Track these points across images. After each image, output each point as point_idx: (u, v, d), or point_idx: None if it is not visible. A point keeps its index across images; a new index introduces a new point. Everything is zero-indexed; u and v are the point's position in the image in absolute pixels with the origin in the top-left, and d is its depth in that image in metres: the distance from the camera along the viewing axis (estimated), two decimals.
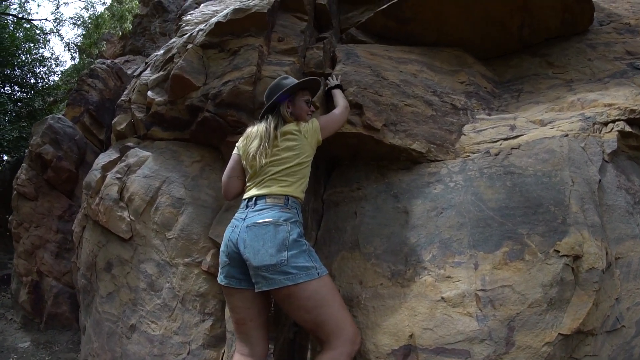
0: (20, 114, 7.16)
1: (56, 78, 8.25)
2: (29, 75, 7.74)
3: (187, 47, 2.24)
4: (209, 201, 2.19)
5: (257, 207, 1.48)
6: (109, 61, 5.04)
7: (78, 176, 4.09)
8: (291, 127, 1.59)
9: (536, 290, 1.33)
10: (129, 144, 2.62)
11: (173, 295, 2.05)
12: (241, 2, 2.30)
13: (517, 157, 1.66)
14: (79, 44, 8.05)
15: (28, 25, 7.86)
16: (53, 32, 8.25)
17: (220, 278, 1.54)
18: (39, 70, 7.91)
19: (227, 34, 2.20)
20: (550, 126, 1.79)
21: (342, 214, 1.91)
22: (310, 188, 1.73)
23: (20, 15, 7.80)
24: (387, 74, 2.07)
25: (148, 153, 2.44)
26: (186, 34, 2.48)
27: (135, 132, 2.67)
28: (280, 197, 1.49)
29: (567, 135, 1.66)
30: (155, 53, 2.84)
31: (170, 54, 2.43)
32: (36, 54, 7.87)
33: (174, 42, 2.56)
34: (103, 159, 2.71)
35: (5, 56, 7.01)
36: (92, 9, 7.76)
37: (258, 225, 1.41)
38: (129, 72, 4.99)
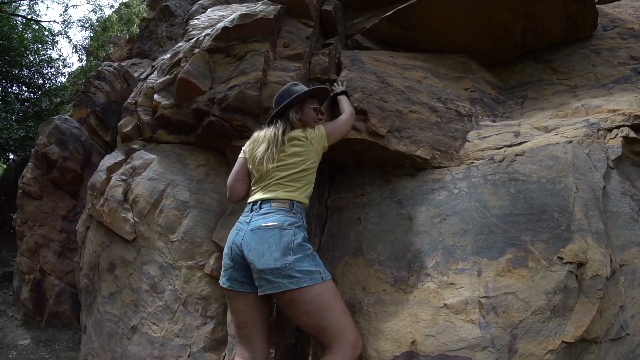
0: (27, 113, 7.23)
1: (63, 79, 8.35)
2: (36, 76, 7.83)
3: (194, 52, 2.27)
4: (213, 205, 2.20)
5: (262, 211, 1.48)
6: (116, 64, 5.09)
7: (83, 177, 4.12)
8: (298, 133, 1.60)
9: (539, 297, 1.33)
10: (135, 146, 2.64)
11: (175, 297, 2.06)
12: (248, 7, 2.32)
13: (521, 164, 1.66)
14: (86, 46, 8.14)
15: (37, 27, 7.97)
16: (61, 34, 8.36)
17: (222, 281, 1.54)
18: (46, 71, 8.01)
19: (233, 39, 2.23)
20: (555, 132, 1.79)
21: (346, 220, 1.92)
22: (314, 193, 1.74)
23: (29, 17, 7.91)
24: (392, 81, 2.08)
25: (153, 156, 2.46)
26: (193, 38, 2.50)
27: (141, 134, 2.69)
28: (285, 201, 1.49)
29: (571, 142, 1.65)
30: (162, 57, 2.88)
31: (176, 58, 2.45)
32: (44, 55, 7.97)
33: (180, 46, 2.59)
34: (108, 160, 2.73)
35: (13, 56, 7.11)
36: (100, 12, 7.86)
37: (263, 228, 1.42)
38: (136, 75, 5.04)
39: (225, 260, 1.53)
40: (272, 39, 2.21)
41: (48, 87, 7.89)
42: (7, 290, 4.69)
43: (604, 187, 1.56)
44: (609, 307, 1.37)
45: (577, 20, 2.29)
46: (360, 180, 2.01)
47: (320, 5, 2.58)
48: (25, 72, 7.59)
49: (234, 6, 2.94)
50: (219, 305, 1.98)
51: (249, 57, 2.13)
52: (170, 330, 2.01)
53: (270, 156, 1.55)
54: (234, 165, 1.76)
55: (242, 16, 2.21)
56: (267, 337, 1.54)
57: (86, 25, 7.92)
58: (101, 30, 7.18)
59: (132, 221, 2.31)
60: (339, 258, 1.81)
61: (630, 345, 1.39)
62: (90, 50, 7.73)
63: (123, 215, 2.34)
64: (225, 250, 1.53)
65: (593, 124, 1.77)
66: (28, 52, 7.56)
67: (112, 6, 7.94)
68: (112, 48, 7.15)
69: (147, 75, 2.87)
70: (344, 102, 1.86)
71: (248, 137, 1.78)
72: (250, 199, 1.59)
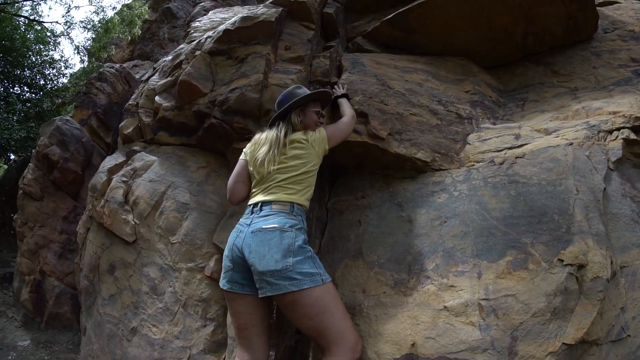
0: (29, 114, 7.25)
1: (65, 80, 8.37)
2: (38, 77, 7.86)
3: (195, 54, 2.28)
4: (213, 207, 2.21)
5: (262, 213, 1.49)
6: (117, 65, 5.11)
7: (84, 178, 4.13)
8: (299, 135, 1.61)
9: (540, 299, 1.33)
10: (136, 148, 2.65)
11: (175, 299, 2.06)
12: (249, 10, 2.34)
13: (522, 166, 1.67)
14: (88, 47, 8.16)
15: (39, 28, 8.00)
16: (63, 35, 8.37)
17: (222, 283, 1.54)
18: (48, 72, 8.04)
19: (234, 41, 2.24)
20: (555, 135, 1.79)
21: (346, 222, 1.92)
22: (314, 196, 1.75)
23: (31, 17, 7.94)
24: (393, 83, 2.09)
25: (154, 157, 2.46)
26: (194, 40, 2.52)
27: (142, 136, 2.70)
28: (285, 204, 1.50)
29: (571, 144, 1.65)
30: (164, 59, 2.89)
31: (178, 60, 2.46)
32: (46, 55, 8.00)
33: (182, 48, 2.60)
34: (109, 161, 2.74)
35: (15, 57, 7.13)
36: (102, 13, 7.89)
37: (264, 230, 1.42)
38: (137, 76, 5.06)
39: (226, 262, 1.53)
40: (274, 41, 2.22)
41: (50, 88, 7.92)
42: (7, 291, 4.69)
43: (605, 189, 1.56)
44: (609, 308, 1.37)
45: (578, 20, 2.30)
46: (360, 183, 2.01)
47: (322, 8, 2.59)
48: (27, 72, 7.62)
49: (236, 8, 2.96)
50: (219, 307, 1.98)
51: (250, 59, 2.14)
52: (170, 332, 2.01)
53: (272, 158, 1.55)
54: (234, 168, 1.76)
55: (243, 19, 2.22)
56: (267, 339, 1.54)
57: (88, 26, 7.95)
58: (103, 31, 7.20)
59: (133, 223, 2.31)
60: (339, 260, 1.81)
61: (631, 347, 1.38)
62: (92, 52, 7.75)
63: (123, 216, 2.34)
64: (226, 252, 1.54)
65: (593, 126, 1.77)
66: (30, 53, 7.59)
67: (114, 8, 7.96)
68: (114, 49, 7.17)
69: (149, 77, 2.88)
70: (344, 104, 1.87)
71: (249, 140, 1.78)
72: (251, 201, 1.59)
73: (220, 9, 3.09)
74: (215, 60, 2.25)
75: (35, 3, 7.93)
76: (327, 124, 1.79)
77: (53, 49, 8.31)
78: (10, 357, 3.23)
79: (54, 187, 4.11)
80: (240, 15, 2.27)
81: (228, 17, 2.67)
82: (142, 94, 2.72)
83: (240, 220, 1.56)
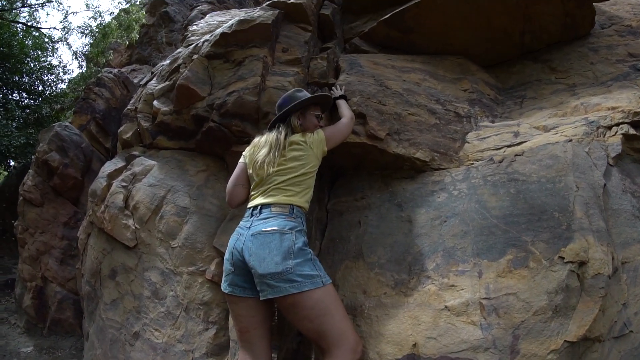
0: (28, 120, 7.25)
1: (63, 86, 8.37)
2: (37, 83, 7.86)
3: (193, 58, 2.28)
4: (213, 210, 2.21)
5: (262, 216, 1.49)
6: (115, 70, 5.11)
7: (84, 183, 4.13)
8: (297, 137, 1.62)
9: (541, 297, 1.32)
10: (135, 152, 2.65)
11: (177, 303, 2.06)
12: (246, 13, 2.34)
13: (521, 164, 1.66)
14: (86, 52, 8.17)
15: (37, 34, 8.00)
16: (61, 41, 8.38)
17: (224, 286, 1.55)
18: (46, 77, 8.04)
19: (232, 44, 2.24)
20: (554, 132, 1.79)
21: (346, 224, 1.92)
22: (314, 197, 1.75)
23: (29, 24, 7.94)
24: (391, 83, 2.09)
25: (153, 162, 2.47)
26: (192, 44, 2.52)
27: (141, 141, 2.71)
28: (285, 206, 1.50)
29: (570, 141, 1.65)
30: (161, 63, 2.89)
31: (176, 64, 2.47)
32: (44, 61, 8.00)
33: (179, 52, 2.60)
34: (109, 167, 2.74)
35: (14, 63, 7.14)
36: (99, 18, 7.88)
37: (264, 233, 1.42)
38: (136, 81, 5.06)
39: (227, 266, 1.53)
40: (271, 44, 2.22)
41: (48, 93, 7.92)
42: (9, 298, 4.69)
43: (605, 185, 1.56)
44: (611, 305, 1.36)
45: (575, 17, 2.30)
46: (359, 184, 2.01)
47: (318, 9, 2.59)
48: (26, 79, 7.63)
49: (233, 11, 2.96)
50: (220, 310, 1.99)
51: (248, 62, 2.14)
52: (173, 336, 2.01)
53: (272, 159, 1.56)
54: (233, 171, 1.77)
55: (240, 22, 2.22)
56: (269, 341, 1.54)
57: (86, 31, 7.95)
58: (101, 36, 7.20)
59: (133, 227, 2.31)
60: (340, 262, 1.81)
61: (634, 343, 1.38)
62: (90, 57, 7.76)
63: (124, 221, 2.34)
64: (226, 256, 1.54)
65: (592, 122, 1.76)
66: (28, 59, 7.60)
67: (111, 13, 7.93)
68: (112, 54, 7.17)
69: (147, 82, 2.89)
70: (343, 106, 1.87)
71: (247, 143, 1.79)
72: (250, 204, 1.59)
73: (218, 12, 3.10)
74: (212, 64, 2.26)
75: (32, 9, 7.94)
76: (326, 126, 1.79)
77: (51, 54, 8.31)
78: None
79: (54, 193, 4.11)
80: (237, 18, 2.28)
81: (225, 20, 2.68)
82: (140, 99, 2.72)
83: (240, 223, 1.57)
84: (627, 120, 1.77)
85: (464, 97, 2.19)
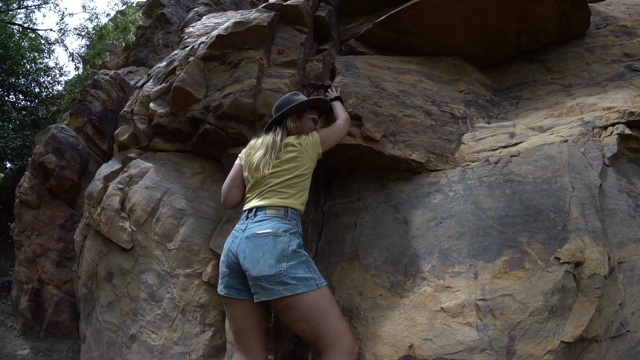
0: (24, 122, 7.23)
1: (60, 88, 8.34)
2: (33, 84, 7.83)
3: (189, 60, 2.28)
4: (209, 212, 2.20)
5: (256, 219, 1.49)
6: (112, 72, 5.10)
7: (80, 186, 4.12)
8: (292, 139, 1.62)
9: (537, 298, 1.32)
10: (131, 154, 2.65)
11: (173, 305, 2.05)
12: (242, 15, 2.34)
13: (517, 165, 1.67)
14: (82, 54, 8.15)
15: (33, 35, 7.97)
16: (57, 42, 8.35)
17: (220, 288, 1.55)
18: (43, 79, 8.01)
19: (228, 46, 2.24)
20: (550, 132, 1.79)
21: (342, 225, 1.92)
22: (310, 199, 1.75)
23: (25, 25, 7.92)
24: (386, 85, 2.09)
25: (150, 164, 2.46)
26: (188, 46, 2.52)
27: (138, 143, 2.70)
28: (279, 208, 1.50)
29: (566, 141, 1.65)
30: (158, 65, 2.89)
31: (172, 66, 2.46)
32: (41, 63, 7.97)
33: (176, 54, 2.60)
34: (105, 169, 2.73)
35: (10, 65, 7.11)
36: (96, 20, 7.87)
37: (257, 236, 1.42)
38: (132, 82, 5.05)
39: (222, 268, 1.54)
40: (266, 46, 2.22)
41: (45, 95, 7.89)
42: (5, 300, 4.67)
43: (600, 185, 1.56)
44: (608, 305, 1.36)
45: (571, 17, 2.31)
46: (355, 186, 2.01)
47: (314, 11, 2.59)
48: (22, 80, 7.60)
49: (229, 13, 2.96)
50: (217, 312, 1.98)
51: (244, 64, 2.14)
52: (169, 338, 2.00)
53: (268, 160, 1.56)
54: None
55: (236, 24, 2.22)
56: (265, 343, 1.54)
57: (82, 33, 7.93)
58: (97, 38, 7.18)
59: (130, 230, 2.31)
60: (336, 263, 1.81)
61: (631, 342, 1.38)
62: (87, 59, 7.74)
63: (120, 224, 2.34)
64: (222, 258, 1.54)
65: (588, 122, 1.77)
66: (25, 61, 7.57)
67: (108, 14, 7.92)
68: (108, 56, 7.16)
69: (143, 84, 2.88)
70: (338, 108, 1.87)
71: (243, 145, 1.79)
72: (246, 207, 1.59)
73: (214, 14, 3.09)
74: (208, 66, 2.25)
75: (29, 11, 7.92)
76: (321, 127, 1.79)
77: (47, 56, 8.29)
78: None
79: (50, 195, 4.10)
80: (232, 20, 2.28)
81: (221, 22, 2.68)
82: (136, 101, 2.72)
83: (236, 226, 1.57)
84: (622, 120, 1.77)
85: (459, 98, 2.19)
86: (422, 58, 2.41)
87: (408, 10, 2.29)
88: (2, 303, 4.64)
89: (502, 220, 1.53)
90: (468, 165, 1.81)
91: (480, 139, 1.93)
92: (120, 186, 2.46)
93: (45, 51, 8.14)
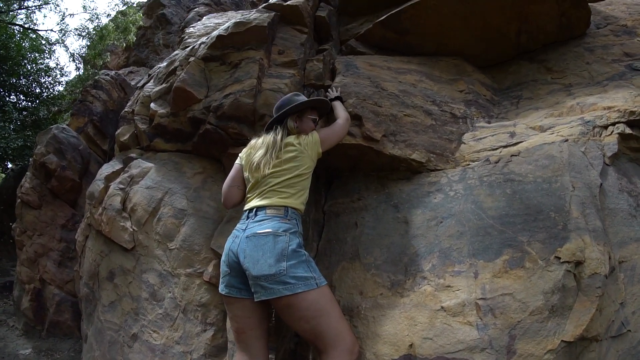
0: (25, 122, 7.24)
1: (61, 88, 8.35)
2: (34, 85, 7.84)
3: (189, 60, 2.28)
4: (210, 212, 2.21)
5: (257, 218, 1.50)
6: (112, 72, 5.11)
7: (81, 186, 4.13)
8: (292, 139, 1.63)
9: (537, 297, 1.32)
10: (132, 155, 2.65)
11: (175, 305, 2.06)
12: (242, 15, 2.34)
13: (517, 164, 1.67)
14: (83, 54, 8.15)
15: (34, 36, 7.98)
16: (58, 43, 8.34)
17: (221, 287, 1.56)
18: (44, 80, 8.02)
19: (228, 47, 2.24)
20: (550, 132, 1.79)
21: (343, 225, 1.92)
22: (311, 199, 1.75)
23: (26, 26, 7.92)
24: (387, 85, 2.09)
25: (151, 164, 2.47)
26: (189, 46, 2.52)
27: (139, 143, 2.70)
28: (280, 208, 1.51)
29: (567, 140, 1.65)
30: (158, 65, 2.89)
31: (172, 67, 2.47)
32: (41, 64, 7.98)
33: (176, 54, 2.60)
34: (106, 169, 2.74)
35: (11, 65, 7.12)
36: (96, 20, 7.87)
37: (258, 235, 1.43)
38: (133, 83, 5.06)
39: (223, 268, 1.54)
40: (267, 46, 2.22)
41: (46, 96, 7.90)
42: (7, 300, 4.69)
43: (601, 184, 1.56)
44: (608, 304, 1.36)
45: (571, 17, 2.31)
46: (356, 185, 2.01)
47: (315, 11, 2.59)
48: (23, 81, 7.61)
49: (230, 13, 2.97)
50: (218, 312, 1.99)
51: (244, 64, 2.14)
52: (171, 337, 2.01)
53: (269, 159, 1.57)
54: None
55: (236, 24, 2.22)
56: (266, 342, 1.55)
57: (83, 33, 7.93)
58: (98, 38, 7.18)
59: (131, 230, 2.31)
60: (337, 263, 1.81)
61: (632, 342, 1.38)
62: (88, 59, 7.74)
63: (121, 224, 2.34)
64: (223, 258, 1.55)
65: (588, 121, 1.77)
66: (25, 61, 7.58)
67: (108, 15, 7.91)
68: (109, 56, 7.16)
69: (144, 84, 2.89)
70: (338, 107, 1.88)
71: (244, 145, 1.79)
72: (246, 207, 1.60)
73: (215, 14, 3.10)
74: (209, 66, 2.26)
75: (30, 11, 7.93)
76: (321, 127, 1.80)
77: (48, 57, 8.30)
78: None
79: (51, 196, 4.11)
80: (233, 20, 2.28)
81: (222, 23, 2.68)
82: (137, 101, 2.72)
83: (237, 225, 1.57)
84: (623, 120, 1.77)
85: (460, 97, 2.20)
86: (423, 58, 2.41)
87: (408, 10, 2.29)
88: (4, 303, 4.65)
89: (503, 220, 1.53)
90: (468, 164, 1.81)
91: (480, 138, 1.93)
92: (122, 186, 2.47)
93: (46, 52, 8.15)
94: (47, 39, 8.20)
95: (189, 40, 2.71)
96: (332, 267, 1.81)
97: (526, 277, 1.37)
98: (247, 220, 1.53)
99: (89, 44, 7.68)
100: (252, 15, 2.28)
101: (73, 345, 3.54)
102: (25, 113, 7.45)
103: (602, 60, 2.24)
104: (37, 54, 7.86)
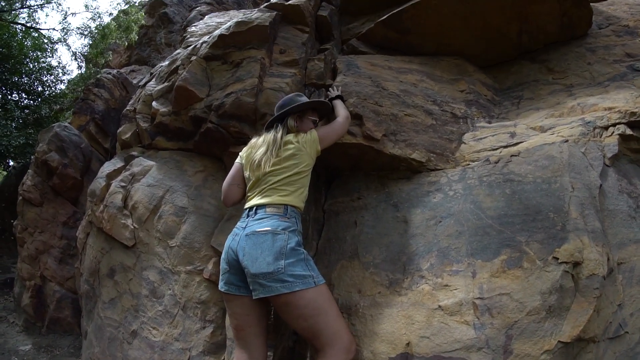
0: (27, 121, 7.26)
1: (63, 86, 8.37)
2: (36, 83, 7.86)
3: (191, 59, 2.29)
4: (211, 210, 2.22)
5: (257, 217, 1.51)
6: (114, 71, 5.12)
7: (83, 184, 4.15)
8: (290, 137, 1.64)
9: (535, 297, 1.32)
10: (134, 153, 2.66)
11: (174, 302, 2.07)
12: (244, 14, 2.35)
13: (517, 165, 1.67)
14: (85, 53, 8.16)
15: (36, 34, 8.00)
16: (60, 42, 8.37)
17: (220, 285, 1.57)
18: (46, 78, 8.04)
19: (229, 46, 2.25)
20: (551, 132, 1.79)
21: (343, 224, 1.93)
22: (311, 198, 1.76)
23: (28, 24, 7.95)
24: (387, 84, 2.09)
25: (152, 162, 2.48)
26: (190, 45, 2.53)
27: (140, 141, 2.72)
28: (279, 206, 1.51)
29: (567, 141, 1.65)
30: (160, 64, 2.90)
31: (174, 66, 2.48)
32: (44, 62, 8.00)
33: (178, 53, 2.61)
34: (108, 167, 2.75)
35: (13, 64, 7.15)
36: (98, 19, 7.88)
37: (257, 233, 1.44)
38: (135, 82, 5.07)
39: (223, 265, 1.55)
40: (268, 45, 2.23)
41: (48, 94, 7.92)
42: (7, 297, 4.71)
43: (601, 185, 1.55)
44: (606, 305, 1.36)
45: (573, 17, 2.30)
46: (356, 184, 2.02)
47: (316, 11, 2.60)
48: (25, 79, 7.63)
49: (231, 13, 2.98)
50: (217, 309, 2.00)
51: (245, 64, 2.15)
52: (170, 334, 2.02)
53: (270, 156, 1.58)
54: None
55: (238, 24, 2.23)
56: (264, 340, 1.56)
57: (85, 32, 7.94)
58: (100, 37, 7.20)
59: (132, 227, 2.32)
60: (336, 261, 1.82)
61: (629, 344, 1.38)
62: (90, 58, 7.76)
63: (122, 221, 2.35)
64: (223, 255, 1.56)
65: (589, 122, 1.76)
66: (28, 60, 7.60)
67: (110, 14, 7.92)
68: (111, 55, 7.18)
69: (146, 83, 2.90)
70: (339, 106, 1.88)
71: (245, 144, 1.80)
72: (247, 205, 1.61)
73: (216, 14, 3.11)
74: (210, 65, 2.27)
75: (32, 10, 7.95)
76: (322, 125, 1.80)
77: (50, 55, 8.31)
78: None
79: (53, 193, 4.13)
80: (234, 20, 2.29)
81: (224, 22, 2.69)
82: (139, 100, 2.73)
83: (237, 224, 1.59)
84: (623, 121, 1.77)
85: (460, 97, 2.20)
86: (424, 58, 2.41)
87: (409, 10, 2.29)
88: (5, 299, 4.67)
89: (501, 220, 1.53)
90: (468, 164, 1.82)
91: (480, 138, 1.93)
92: (123, 184, 2.48)
93: (48, 50, 8.17)
94: (49, 38, 8.22)
95: (190, 39, 2.72)
96: (332, 266, 1.82)
97: (524, 277, 1.38)
98: (247, 218, 1.54)
99: (91, 42, 7.70)
100: (254, 14, 2.29)
101: (73, 342, 3.56)
102: (27, 111, 7.47)
103: (603, 61, 2.23)
104: (39, 53, 7.88)
